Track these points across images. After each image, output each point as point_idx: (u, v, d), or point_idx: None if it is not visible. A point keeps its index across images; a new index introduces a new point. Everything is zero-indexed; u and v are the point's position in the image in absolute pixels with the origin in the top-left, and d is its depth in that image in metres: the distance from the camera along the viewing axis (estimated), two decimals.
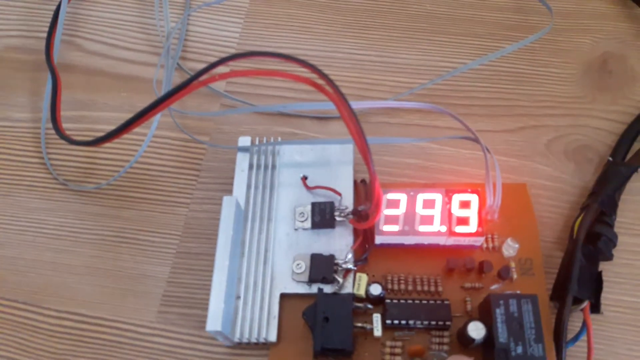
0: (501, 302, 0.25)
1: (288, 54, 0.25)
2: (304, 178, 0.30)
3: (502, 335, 0.24)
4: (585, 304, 0.27)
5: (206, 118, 0.35)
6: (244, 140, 0.31)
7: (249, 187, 0.30)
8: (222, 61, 0.23)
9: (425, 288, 0.28)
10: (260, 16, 0.38)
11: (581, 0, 0.38)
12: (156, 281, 0.30)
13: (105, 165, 0.33)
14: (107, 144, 0.31)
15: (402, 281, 0.28)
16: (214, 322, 0.25)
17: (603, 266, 0.29)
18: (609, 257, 0.29)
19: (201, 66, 0.28)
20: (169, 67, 0.34)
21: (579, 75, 0.36)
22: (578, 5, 0.38)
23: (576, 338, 0.27)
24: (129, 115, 0.27)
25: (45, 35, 0.36)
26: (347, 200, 0.30)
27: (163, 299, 0.30)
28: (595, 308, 0.27)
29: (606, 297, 0.29)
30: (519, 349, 0.24)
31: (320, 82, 0.24)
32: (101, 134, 0.29)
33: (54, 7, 0.37)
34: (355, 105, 0.31)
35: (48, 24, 0.37)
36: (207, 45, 0.37)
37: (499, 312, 0.24)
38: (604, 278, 0.28)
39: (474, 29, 0.38)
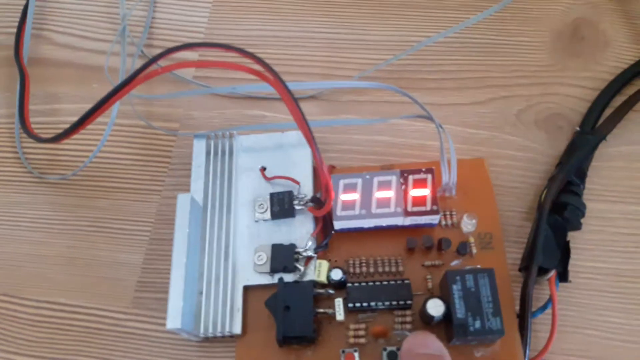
0: (457, 278, 0.25)
1: (227, 43, 0.25)
2: (262, 169, 0.30)
3: (459, 311, 0.24)
4: (552, 273, 0.27)
5: (176, 104, 0.35)
6: (200, 138, 0.31)
7: (207, 180, 0.30)
8: (159, 57, 0.24)
9: (387, 269, 0.28)
10: None
11: None
12: (131, 268, 0.31)
13: (77, 157, 0.34)
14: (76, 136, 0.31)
15: (363, 264, 0.28)
16: (174, 320, 0.25)
17: (573, 234, 0.29)
18: (577, 227, 0.29)
19: None
20: (124, 52, 0.35)
21: (550, 43, 0.35)
22: None
23: (544, 307, 0.27)
24: None
25: (14, 30, 0.37)
26: (307, 188, 0.30)
27: (138, 285, 0.30)
28: (563, 277, 0.28)
29: (576, 264, 0.29)
30: (477, 324, 0.24)
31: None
32: None
33: (23, 2, 0.37)
34: (298, 86, 0.31)
35: (17, 19, 0.37)
36: (174, 32, 0.37)
37: (455, 288, 0.24)
38: (573, 246, 0.29)
39: (444, 0, 0.37)
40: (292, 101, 0.23)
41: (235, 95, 0.35)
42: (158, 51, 0.36)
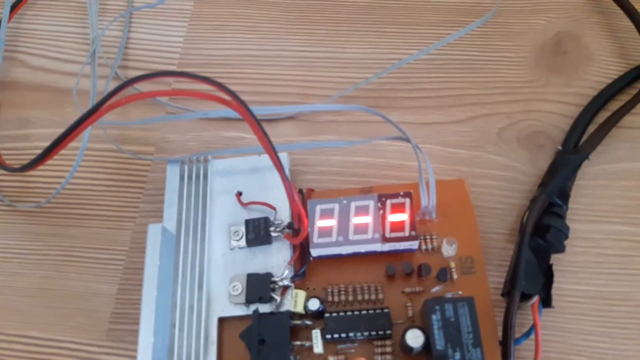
0: (437, 307, 0.24)
1: (191, 72, 0.24)
2: (238, 194, 0.29)
3: (439, 342, 0.23)
4: (535, 299, 0.26)
5: (152, 128, 0.34)
6: (174, 163, 0.30)
7: (180, 207, 0.29)
8: (119, 89, 0.23)
9: (367, 297, 0.27)
10: (205, 18, 0.37)
11: None
12: (105, 299, 0.30)
13: (49, 184, 0.33)
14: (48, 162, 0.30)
15: (342, 292, 0.27)
16: (145, 356, 0.24)
17: (557, 256, 0.29)
18: (560, 250, 0.28)
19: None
20: (95, 75, 0.34)
21: (532, 58, 0.35)
22: None
23: (528, 334, 0.26)
24: None
25: None
26: (283, 213, 0.29)
27: (112, 316, 0.29)
28: (547, 303, 0.27)
29: (560, 287, 0.28)
30: (457, 355, 0.23)
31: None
32: None
33: None
34: (263, 110, 0.30)
35: None
36: (150, 52, 0.36)
37: (435, 318, 0.24)
38: (557, 268, 0.28)
39: (425, 16, 0.37)
40: (258, 127, 0.23)
41: (211, 117, 0.34)
42: (133, 72, 0.36)
